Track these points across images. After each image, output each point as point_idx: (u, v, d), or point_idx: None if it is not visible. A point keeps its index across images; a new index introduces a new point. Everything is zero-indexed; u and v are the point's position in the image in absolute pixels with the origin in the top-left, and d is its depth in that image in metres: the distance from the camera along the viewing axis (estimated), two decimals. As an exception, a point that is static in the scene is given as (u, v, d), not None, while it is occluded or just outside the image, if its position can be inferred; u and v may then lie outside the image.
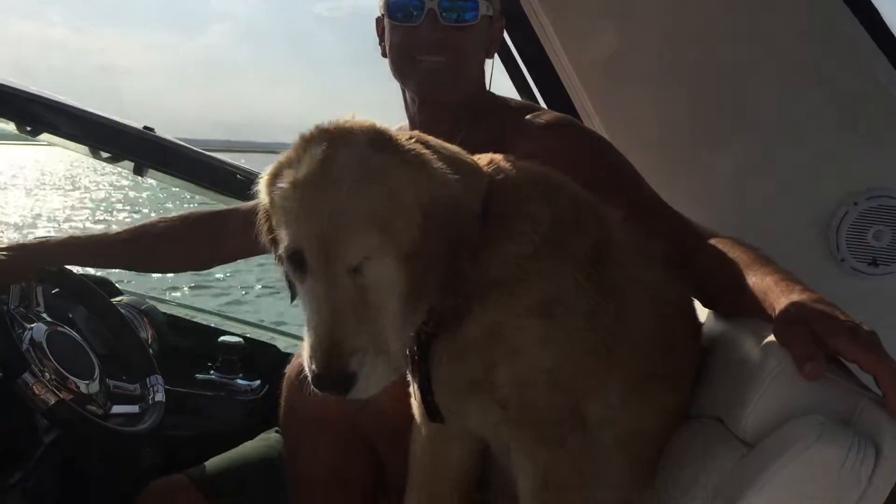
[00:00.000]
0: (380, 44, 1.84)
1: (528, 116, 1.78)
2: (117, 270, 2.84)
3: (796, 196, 2.30)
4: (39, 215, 19.81)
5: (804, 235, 2.28)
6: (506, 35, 2.67)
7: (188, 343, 2.75)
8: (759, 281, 1.36)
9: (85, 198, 28.45)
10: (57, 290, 2.08)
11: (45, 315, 1.93)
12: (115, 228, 1.97)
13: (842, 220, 2.23)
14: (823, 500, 1.10)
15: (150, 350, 2.18)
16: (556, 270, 1.30)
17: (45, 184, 35.99)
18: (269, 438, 2.17)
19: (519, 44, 2.69)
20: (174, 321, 2.80)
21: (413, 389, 1.49)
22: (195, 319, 3.31)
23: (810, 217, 2.28)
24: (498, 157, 1.38)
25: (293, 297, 1.31)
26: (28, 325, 1.81)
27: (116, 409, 1.91)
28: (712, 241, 1.57)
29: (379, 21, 1.83)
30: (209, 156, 2.98)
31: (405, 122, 1.88)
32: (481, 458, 1.56)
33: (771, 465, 1.12)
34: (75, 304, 2.14)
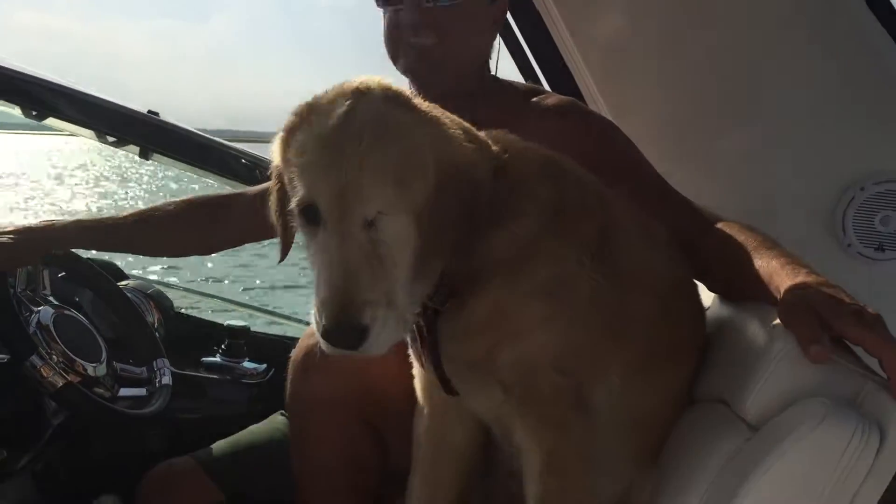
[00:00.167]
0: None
1: (533, 99, 1.77)
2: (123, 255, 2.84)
3: (803, 181, 2.29)
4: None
5: (811, 220, 2.28)
6: (511, 19, 2.66)
7: (194, 326, 2.77)
8: (764, 264, 1.36)
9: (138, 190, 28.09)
10: (63, 273, 2.09)
11: (51, 298, 1.94)
12: (122, 212, 1.97)
13: (848, 205, 2.23)
14: (828, 483, 1.10)
15: (157, 333, 2.19)
16: (560, 252, 1.30)
17: (100, 177, 35.42)
18: (274, 421, 2.18)
19: (523, 27, 2.68)
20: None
21: (416, 369, 1.50)
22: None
23: (817, 202, 2.27)
24: (506, 136, 1.38)
25: (283, 256, 1.33)
26: (35, 309, 1.82)
27: (123, 391, 1.92)
28: (718, 225, 1.57)
29: None
30: (213, 140, 2.98)
31: None
32: (485, 441, 1.56)
33: (775, 448, 1.12)
34: (82, 287, 2.15)
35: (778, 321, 1.24)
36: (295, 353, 1.72)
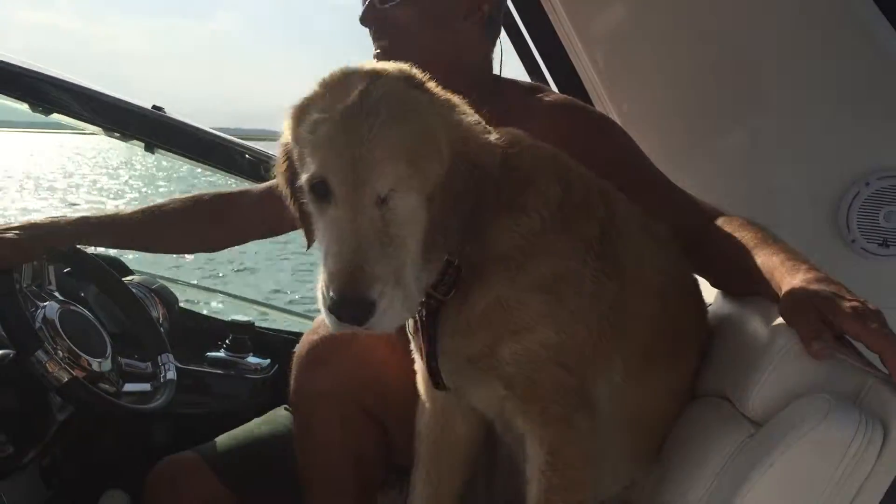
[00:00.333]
0: None
1: (533, 97, 1.77)
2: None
3: (807, 176, 2.29)
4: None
5: (815, 216, 2.28)
6: (516, 15, 2.66)
7: (199, 321, 2.78)
8: (766, 260, 1.36)
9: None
10: (69, 269, 2.09)
11: (57, 294, 1.94)
12: (127, 209, 1.97)
13: (852, 200, 2.22)
14: (831, 479, 1.11)
15: (162, 328, 2.19)
16: (562, 248, 1.30)
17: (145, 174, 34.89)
18: (278, 416, 2.18)
19: (529, 24, 2.68)
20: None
21: (418, 363, 1.50)
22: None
23: (821, 198, 2.27)
24: (514, 131, 1.38)
25: (309, 241, 1.32)
26: (41, 304, 1.82)
27: (128, 386, 1.92)
28: (720, 221, 1.57)
29: None
30: (218, 135, 2.99)
31: None
32: (487, 435, 1.57)
33: (778, 444, 1.13)
34: (87, 282, 2.15)
35: (780, 317, 1.24)
36: (299, 349, 1.72)
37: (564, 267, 1.29)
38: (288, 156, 1.27)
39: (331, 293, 1.12)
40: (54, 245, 1.90)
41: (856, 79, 2.18)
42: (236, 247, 2.15)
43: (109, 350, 1.90)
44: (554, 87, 2.68)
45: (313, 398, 1.69)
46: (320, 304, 1.16)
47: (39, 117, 2.69)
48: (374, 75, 1.20)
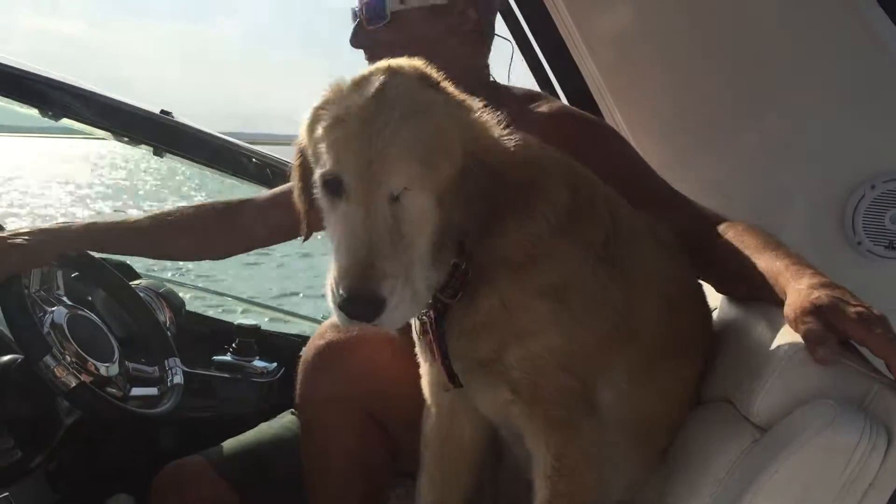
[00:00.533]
0: None
1: (529, 106, 1.76)
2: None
3: (813, 179, 2.28)
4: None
5: (821, 218, 2.27)
6: (520, 17, 2.66)
7: (206, 325, 2.78)
8: (770, 265, 1.36)
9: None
10: (77, 273, 2.10)
11: (65, 298, 1.95)
12: (135, 216, 1.99)
13: (858, 203, 2.22)
14: (836, 485, 1.10)
15: (168, 332, 2.20)
16: (569, 253, 1.30)
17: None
18: (285, 420, 2.19)
19: (533, 25, 2.68)
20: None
21: (423, 367, 1.50)
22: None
23: (827, 200, 2.26)
24: (524, 135, 1.38)
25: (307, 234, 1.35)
26: (49, 309, 1.83)
27: (135, 391, 1.93)
28: (722, 227, 1.57)
29: None
30: (224, 139, 3.01)
31: None
32: (493, 440, 1.57)
33: (783, 450, 1.12)
34: (95, 287, 2.16)
35: (784, 322, 1.24)
36: (305, 353, 1.73)
37: (570, 272, 1.30)
38: (303, 153, 1.29)
39: (340, 290, 1.12)
40: (63, 250, 1.91)
41: (861, 81, 2.17)
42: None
43: (117, 354, 1.91)
44: (560, 92, 2.68)
45: (319, 403, 1.70)
46: (329, 301, 1.16)
47: (47, 122, 2.71)
48: (390, 73, 1.21)
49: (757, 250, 1.42)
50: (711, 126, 2.40)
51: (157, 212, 1.98)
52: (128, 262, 2.68)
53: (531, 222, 1.28)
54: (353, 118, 1.16)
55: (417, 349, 1.49)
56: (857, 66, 2.16)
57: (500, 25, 2.59)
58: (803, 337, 1.18)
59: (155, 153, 2.99)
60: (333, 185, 1.17)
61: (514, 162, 1.27)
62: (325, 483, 1.74)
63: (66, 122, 2.73)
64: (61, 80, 2.67)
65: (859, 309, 1.17)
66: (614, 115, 2.55)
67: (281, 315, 4.24)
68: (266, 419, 2.24)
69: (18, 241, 1.75)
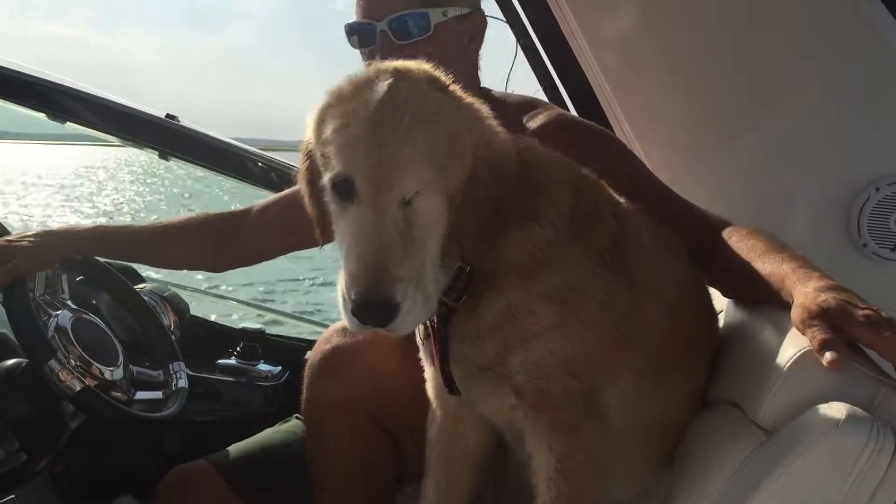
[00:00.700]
0: None
1: (524, 116, 1.76)
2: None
3: (818, 181, 2.28)
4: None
5: (826, 221, 2.26)
6: (524, 19, 2.66)
7: (210, 329, 2.79)
8: (776, 268, 1.36)
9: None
10: (81, 277, 2.10)
11: (69, 302, 1.96)
12: (142, 223, 1.99)
13: (863, 205, 2.21)
14: (842, 488, 1.10)
15: (173, 336, 2.20)
16: (574, 258, 1.30)
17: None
18: (290, 424, 2.19)
19: (538, 29, 2.68)
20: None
21: (427, 370, 1.50)
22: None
23: (832, 203, 2.25)
24: (530, 140, 1.38)
25: (323, 239, 1.32)
26: (53, 312, 1.83)
27: (140, 395, 1.93)
28: (727, 231, 1.56)
29: None
30: (230, 143, 3.01)
31: None
32: (497, 444, 1.57)
33: (790, 453, 1.12)
34: (99, 291, 2.17)
35: (791, 326, 1.24)
36: (312, 357, 1.72)
37: (575, 276, 1.29)
38: (309, 156, 1.27)
39: (353, 295, 1.11)
40: (68, 254, 1.91)
41: (866, 84, 2.17)
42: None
43: (121, 358, 1.91)
44: (566, 96, 2.68)
45: (325, 408, 1.69)
46: (340, 307, 1.15)
47: (53, 128, 2.72)
48: (399, 75, 1.20)
49: (763, 254, 1.42)
50: (715, 128, 2.40)
51: (164, 221, 1.99)
52: (132, 265, 2.69)
53: (535, 226, 1.28)
54: (364, 120, 1.15)
55: (421, 353, 1.49)
56: (862, 69, 2.16)
57: (505, 30, 2.59)
58: (811, 340, 1.18)
59: (161, 157, 3.00)
60: (344, 188, 1.16)
61: (520, 164, 1.27)
62: (331, 487, 1.74)
63: (72, 127, 2.75)
64: (70, 85, 2.69)
65: (867, 312, 1.16)
66: (619, 119, 2.55)
67: (284, 318, 4.25)
68: (270, 423, 2.24)
69: (23, 244, 1.76)
